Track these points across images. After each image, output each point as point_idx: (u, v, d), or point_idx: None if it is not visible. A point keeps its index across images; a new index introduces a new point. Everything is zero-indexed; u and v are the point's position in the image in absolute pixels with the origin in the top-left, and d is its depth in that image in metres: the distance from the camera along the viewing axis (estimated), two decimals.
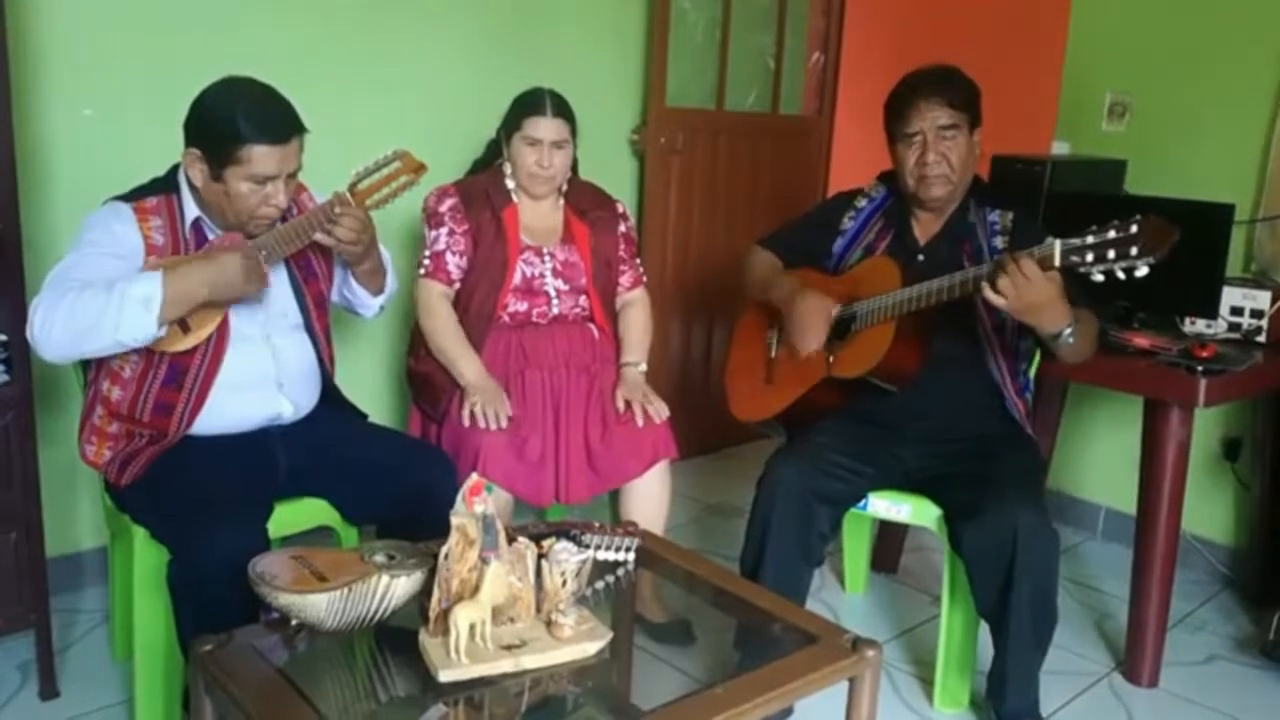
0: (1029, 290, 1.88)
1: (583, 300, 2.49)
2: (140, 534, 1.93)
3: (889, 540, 2.93)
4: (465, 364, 2.35)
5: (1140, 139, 3.08)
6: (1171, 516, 2.34)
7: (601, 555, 1.79)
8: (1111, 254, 1.79)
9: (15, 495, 2.02)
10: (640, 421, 2.36)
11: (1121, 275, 1.80)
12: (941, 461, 2.21)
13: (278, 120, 1.86)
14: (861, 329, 2.19)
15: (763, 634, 1.70)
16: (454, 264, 2.42)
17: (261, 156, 1.83)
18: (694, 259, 3.65)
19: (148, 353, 1.88)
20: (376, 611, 1.50)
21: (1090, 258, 1.81)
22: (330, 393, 2.17)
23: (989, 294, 1.92)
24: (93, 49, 2.39)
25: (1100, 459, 3.22)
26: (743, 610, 1.76)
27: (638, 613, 2.19)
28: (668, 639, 2.05)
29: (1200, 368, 2.25)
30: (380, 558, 1.54)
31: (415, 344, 2.49)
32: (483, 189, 2.46)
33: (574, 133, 2.43)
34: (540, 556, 1.56)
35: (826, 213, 2.43)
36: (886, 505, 2.25)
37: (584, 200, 2.54)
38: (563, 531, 1.77)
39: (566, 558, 1.54)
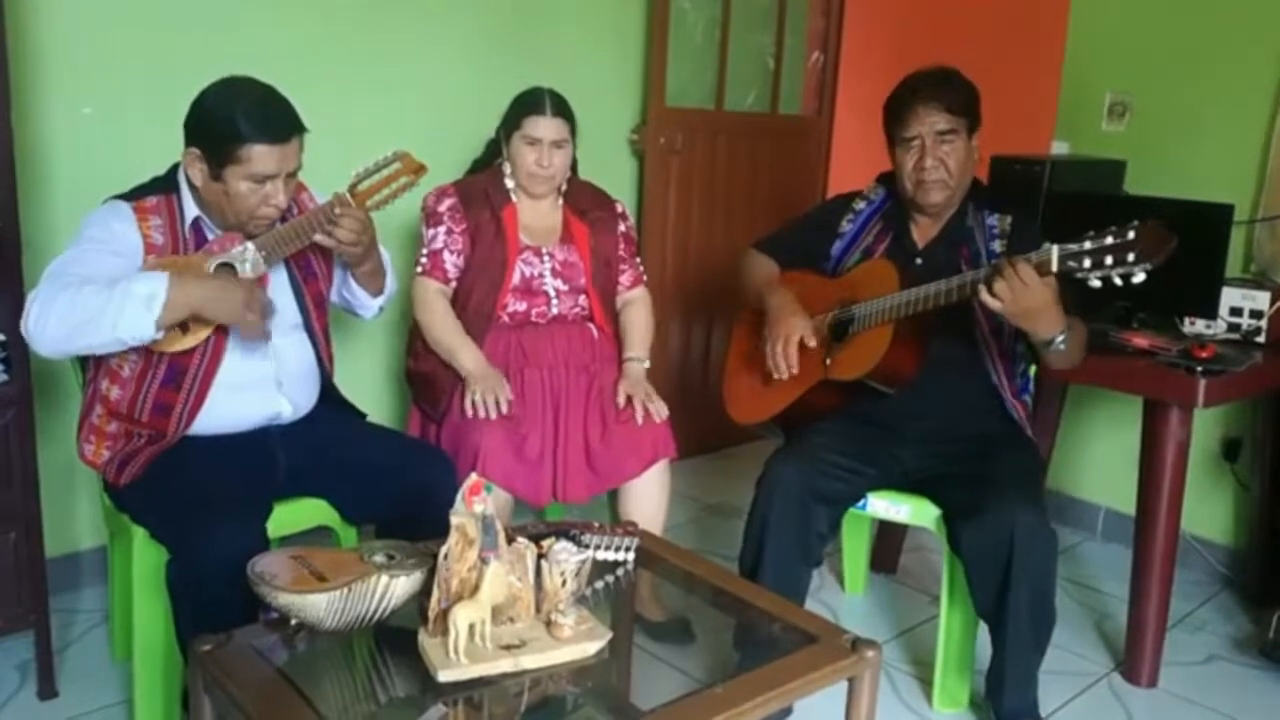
0: (1025, 295, 1.88)
1: (582, 300, 2.49)
2: (139, 534, 1.93)
3: (888, 540, 2.93)
4: (464, 354, 2.35)
5: (1140, 139, 3.08)
6: (1171, 517, 2.34)
7: (601, 555, 1.80)
8: (1109, 260, 1.79)
9: (14, 495, 2.02)
10: (640, 418, 2.36)
11: (1119, 281, 1.79)
12: (940, 462, 2.21)
13: (277, 120, 1.86)
14: (859, 331, 2.19)
15: (762, 634, 1.70)
16: (451, 263, 2.42)
17: (261, 156, 1.83)
18: (693, 259, 3.65)
19: (147, 352, 1.88)
20: (376, 611, 1.50)
21: (1087, 263, 1.81)
22: (329, 393, 2.17)
23: (985, 298, 1.92)
24: (93, 48, 2.39)
25: (1100, 459, 3.22)
26: (742, 610, 1.76)
27: (637, 612, 2.19)
28: (667, 639, 2.04)
29: (1200, 368, 2.25)
30: (380, 558, 1.54)
31: (414, 344, 2.49)
32: (482, 189, 2.46)
33: (573, 132, 2.43)
34: (540, 556, 1.56)
35: (825, 215, 2.43)
36: (885, 505, 2.25)
37: (583, 200, 2.54)
38: (562, 531, 1.77)
39: (566, 558, 1.54)
